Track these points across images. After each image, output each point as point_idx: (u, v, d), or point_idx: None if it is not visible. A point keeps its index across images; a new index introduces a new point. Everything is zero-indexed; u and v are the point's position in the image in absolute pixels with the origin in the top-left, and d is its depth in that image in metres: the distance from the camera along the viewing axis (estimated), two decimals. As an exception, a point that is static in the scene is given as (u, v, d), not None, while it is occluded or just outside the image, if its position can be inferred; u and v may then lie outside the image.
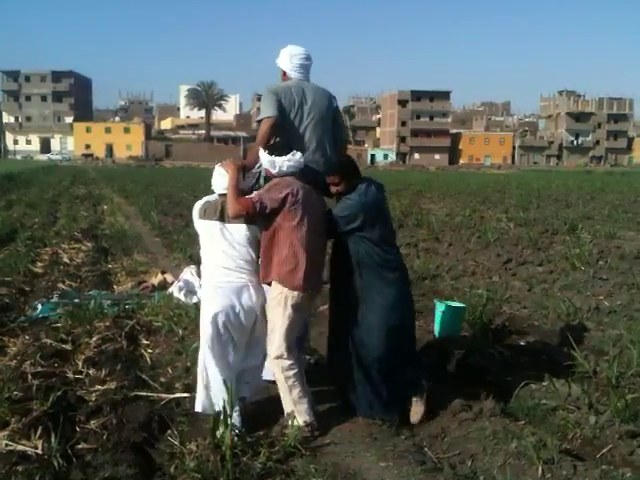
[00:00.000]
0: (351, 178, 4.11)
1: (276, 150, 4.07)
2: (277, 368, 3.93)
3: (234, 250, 4.01)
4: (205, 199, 4.22)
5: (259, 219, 3.95)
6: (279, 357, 3.91)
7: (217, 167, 4.17)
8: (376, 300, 4.04)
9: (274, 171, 3.98)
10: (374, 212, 4.05)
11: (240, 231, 4.01)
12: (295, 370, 3.92)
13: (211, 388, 3.96)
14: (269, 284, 4.00)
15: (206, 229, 4.11)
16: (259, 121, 4.25)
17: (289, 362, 3.91)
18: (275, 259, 3.91)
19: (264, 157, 4.01)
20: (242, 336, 4.05)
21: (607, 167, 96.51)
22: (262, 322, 4.06)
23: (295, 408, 3.88)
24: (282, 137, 4.27)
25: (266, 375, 4.28)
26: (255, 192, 4.05)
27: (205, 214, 4.11)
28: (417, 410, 4.10)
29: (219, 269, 4.05)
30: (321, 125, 4.33)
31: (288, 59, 4.36)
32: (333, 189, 4.12)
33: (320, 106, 4.33)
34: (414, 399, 4.11)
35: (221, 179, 4.08)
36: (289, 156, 3.95)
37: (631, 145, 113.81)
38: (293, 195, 3.85)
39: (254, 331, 4.10)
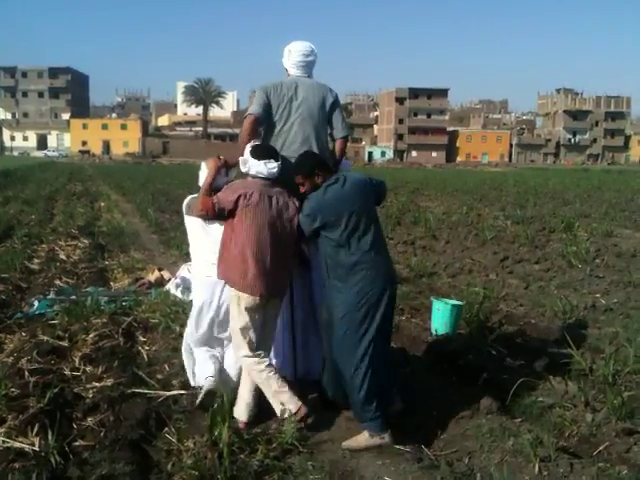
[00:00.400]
0: (313, 176, 3.88)
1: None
2: (247, 366, 3.97)
3: (215, 245, 4.09)
4: (193, 195, 4.28)
5: (220, 219, 3.97)
6: (245, 356, 3.94)
7: (203, 164, 4.23)
8: (335, 302, 3.84)
9: (243, 170, 4.01)
10: (334, 210, 3.77)
11: (220, 227, 4.09)
12: (265, 362, 3.94)
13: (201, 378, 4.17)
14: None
15: (191, 225, 4.27)
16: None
17: (256, 358, 3.94)
18: (226, 259, 3.93)
19: (245, 153, 4.00)
20: (223, 329, 4.19)
21: (604, 165, 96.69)
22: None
23: (280, 399, 3.89)
24: (270, 134, 4.31)
25: None
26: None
27: (189, 210, 4.21)
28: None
29: (204, 263, 4.20)
30: (310, 121, 4.30)
31: (287, 56, 4.39)
32: (301, 189, 3.96)
33: (311, 102, 4.30)
34: None
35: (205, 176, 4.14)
36: (263, 162, 3.90)
37: (628, 143, 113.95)
38: (245, 197, 3.84)
39: None
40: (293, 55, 4.34)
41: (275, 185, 3.97)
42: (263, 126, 4.32)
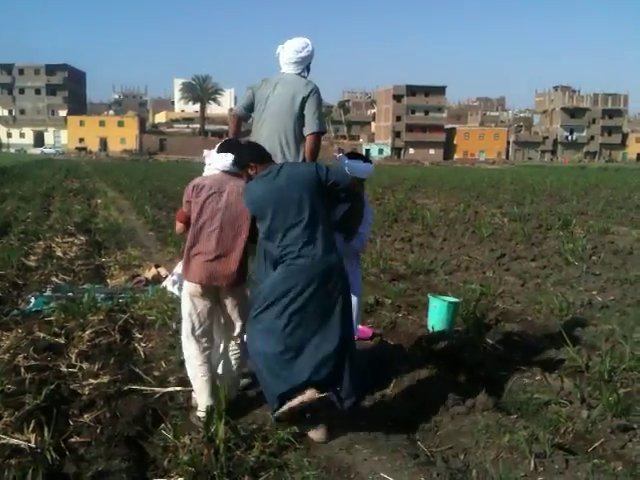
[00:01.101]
0: (247, 168, 3.87)
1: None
2: (185, 351, 4.13)
3: None
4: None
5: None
6: (185, 341, 4.09)
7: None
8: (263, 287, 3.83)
9: (207, 162, 4.14)
10: (261, 202, 3.73)
11: None
12: (190, 351, 4.05)
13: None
14: None
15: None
16: None
17: (188, 344, 4.06)
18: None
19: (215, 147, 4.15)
20: (218, 325, 4.21)
21: (601, 163, 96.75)
22: (242, 309, 4.09)
23: (196, 394, 4.07)
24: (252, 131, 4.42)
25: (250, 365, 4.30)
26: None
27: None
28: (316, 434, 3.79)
29: None
30: (277, 118, 4.27)
31: (280, 53, 4.37)
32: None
33: (282, 98, 4.26)
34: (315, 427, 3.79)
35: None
36: (220, 155, 4.02)
37: (625, 141, 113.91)
38: (196, 190, 3.98)
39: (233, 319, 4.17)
40: (285, 52, 4.32)
41: (236, 179, 4.01)
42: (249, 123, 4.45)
